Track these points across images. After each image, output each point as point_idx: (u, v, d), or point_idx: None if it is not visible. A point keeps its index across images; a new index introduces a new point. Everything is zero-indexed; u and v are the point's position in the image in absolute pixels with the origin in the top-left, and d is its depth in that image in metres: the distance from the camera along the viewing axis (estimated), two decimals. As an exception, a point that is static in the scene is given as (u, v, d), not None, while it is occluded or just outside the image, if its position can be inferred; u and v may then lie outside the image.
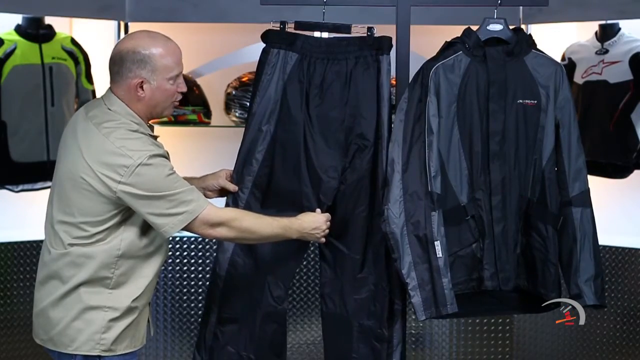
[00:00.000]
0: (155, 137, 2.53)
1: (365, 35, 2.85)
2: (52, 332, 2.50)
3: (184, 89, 2.54)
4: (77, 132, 2.47)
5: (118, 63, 2.46)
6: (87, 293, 2.46)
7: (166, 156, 2.49)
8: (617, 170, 4.07)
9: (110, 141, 2.40)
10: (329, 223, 2.74)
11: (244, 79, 4.30)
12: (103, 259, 2.44)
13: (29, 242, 4.11)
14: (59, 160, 2.52)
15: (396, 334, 2.91)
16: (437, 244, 2.61)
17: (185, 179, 2.83)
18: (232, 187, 2.89)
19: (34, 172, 4.06)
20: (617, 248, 4.10)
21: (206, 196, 2.90)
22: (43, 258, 2.54)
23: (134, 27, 4.10)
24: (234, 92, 4.27)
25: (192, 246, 4.15)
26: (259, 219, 2.62)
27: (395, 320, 2.90)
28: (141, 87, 2.45)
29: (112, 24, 4.22)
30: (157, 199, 2.40)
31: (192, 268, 4.17)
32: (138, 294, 2.51)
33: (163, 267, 2.73)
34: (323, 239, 2.75)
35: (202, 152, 4.25)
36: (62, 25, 4.23)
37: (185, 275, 4.15)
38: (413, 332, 4.22)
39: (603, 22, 4.11)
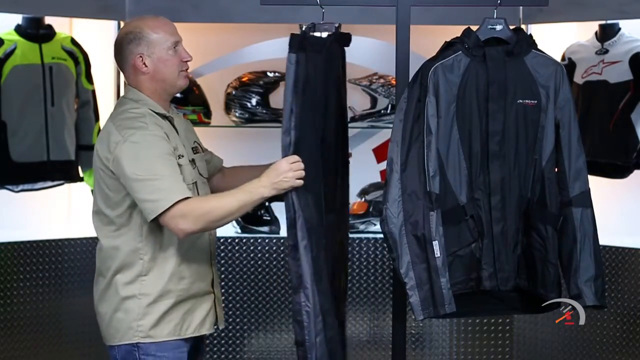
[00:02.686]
0: (169, 118, 2.58)
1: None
2: (103, 327, 2.59)
3: (189, 57, 2.59)
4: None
5: (119, 51, 2.57)
6: (122, 284, 2.53)
7: (165, 137, 2.49)
8: (617, 170, 4.07)
9: (115, 125, 2.50)
10: (296, 164, 2.51)
11: (244, 79, 4.30)
12: (130, 247, 2.51)
13: (29, 242, 4.11)
14: None
15: None
16: (436, 243, 2.61)
17: (250, 166, 2.85)
18: None
19: (34, 172, 4.06)
20: (617, 248, 4.09)
21: None
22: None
23: (134, 27, 4.10)
24: (234, 92, 4.27)
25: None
26: (220, 197, 2.52)
27: None
28: (143, 62, 2.53)
29: (112, 24, 4.23)
30: (138, 182, 2.42)
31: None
32: (167, 276, 2.52)
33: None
34: (299, 181, 2.51)
35: (202, 152, 4.25)
36: (62, 25, 4.23)
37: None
38: (413, 332, 4.22)
39: (603, 22, 4.11)
